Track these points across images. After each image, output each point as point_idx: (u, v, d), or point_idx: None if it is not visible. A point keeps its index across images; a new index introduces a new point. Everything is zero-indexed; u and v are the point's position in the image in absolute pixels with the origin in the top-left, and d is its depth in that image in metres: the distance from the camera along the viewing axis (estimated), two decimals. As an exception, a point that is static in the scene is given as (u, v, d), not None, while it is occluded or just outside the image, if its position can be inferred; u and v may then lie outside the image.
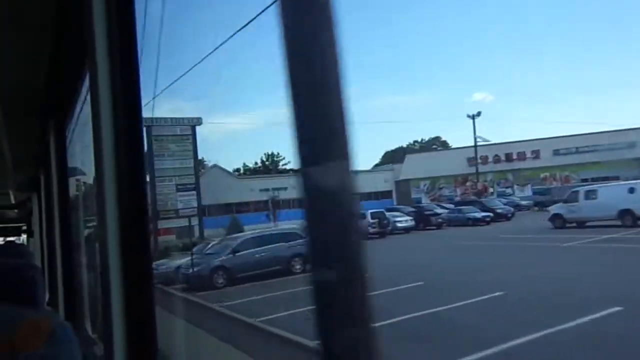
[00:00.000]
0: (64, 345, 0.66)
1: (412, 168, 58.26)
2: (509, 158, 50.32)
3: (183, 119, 39.98)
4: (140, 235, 0.92)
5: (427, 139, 73.18)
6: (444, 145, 67.46)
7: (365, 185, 53.56)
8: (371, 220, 26.63)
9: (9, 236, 10.46)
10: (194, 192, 39.80)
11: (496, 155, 51.70)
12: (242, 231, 33.71)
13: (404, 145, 73.65)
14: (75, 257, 2.81)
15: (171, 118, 39.64)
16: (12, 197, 6.10)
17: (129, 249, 0.89)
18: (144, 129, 0.91)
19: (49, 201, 2.78)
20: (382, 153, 71.11)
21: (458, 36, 76.62)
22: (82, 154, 3.11)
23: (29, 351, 0.62)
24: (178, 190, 39.07)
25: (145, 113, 1.02)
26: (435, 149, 68.25)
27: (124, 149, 0.91)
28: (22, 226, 10.80)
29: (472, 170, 52.46)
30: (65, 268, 2.56)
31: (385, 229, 26.48)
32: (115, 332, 0.89)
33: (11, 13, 1.51)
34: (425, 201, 52.24)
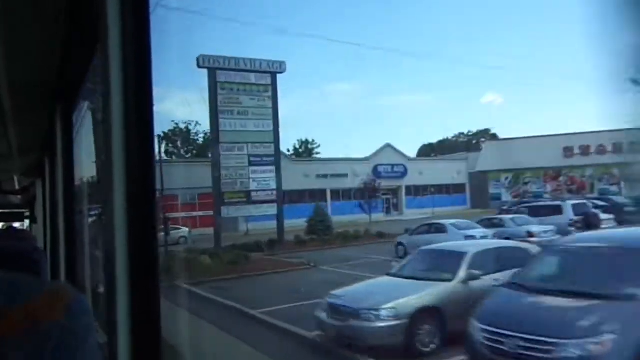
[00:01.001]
0: (83, 316, 0.67)
1: (491, 158, 48.37)
2: (618, 149, 37.77)
3: (260, 61, 27.67)
4: (148, 220, 0.93)
5: (474, 131, 65.92)
6: (494, 138, 61.23)
7: (433, 177, 47.73)
8: (574, 218, 18.63)
9: (12, 222, 10.50)
10: (273, 169, 28.00)
11: (601, 146, 41.05)
12: (330, 226, 28.44)
13: (449, 137, 66.68)
14: (79, 244, 2.82)
15: (244, 59, 27.41)
16: (16, 183, 6.13)
17: (136, 237, 0.89)
18: (154, 119, 0.89)
19: (53, 187, 2.79)
20: (418, 147, 66.40)
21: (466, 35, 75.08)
22: (88, 140, 3.12)
23: (52, 320, 0.63)
24: (251, 163, 27.77)
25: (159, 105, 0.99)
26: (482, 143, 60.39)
27: (133, 135, 0.92)
28: (25, 212, 10.85)
29: (568, 162, 43.74)
30: (68, 255, 2.58)
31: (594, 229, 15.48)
32: (119, 320, 0.89)
33: (23, 3, 1.51)
34: (506, 198, 44.74)
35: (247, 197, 27.33)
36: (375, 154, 46.92)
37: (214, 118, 26.39)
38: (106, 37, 0.89)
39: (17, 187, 6.46)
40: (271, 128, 27.92)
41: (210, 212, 37.69)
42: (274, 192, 28.25)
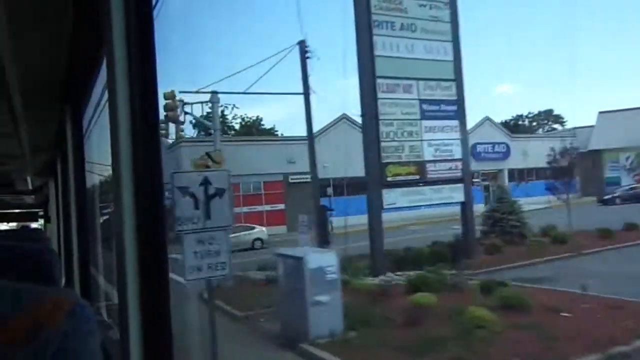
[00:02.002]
0: (85, 322, 0.69)
1: (608, 133, 38.04)
2: None
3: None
4: (155, 220, 0.95)
5: (535, 113, 57.20)
6: (557, 120, 52.86)
7: (538, 158, 35.17)
8: None
9: (27, 221, 10.66)
10: (457, 125, 16.53)
11: None
12: (523, 221, 17.78)
13: (507, 120, 56.44)
14: (92, 242, 2.86)
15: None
16: (29, 183, 6.23)
17: (144, 235, 0.91)
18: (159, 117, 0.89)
19: (65, 186, 2.83)
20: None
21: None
22: (98, 139, 3.16)
23: (54, 326, 0.65)
24: (425, 116, 16.09)
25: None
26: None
27: (140, 134, 0.94)
28: (39, 211, 11.00)
29: None
30: (81, 253, 2.62)
31: None
32: (130, 317, 0.91)
33: (31, 4, 1.53)
34: (627, 181, 35.42)
35: (421, 172, 15.76)
36: (474, 129, 34.91)
37: (363, 36, 15.12)
38: (111, 38, 0.91)
39: (30, 187, 6.56)
40: (451, 56, 16.16)
41: (279, 206, 36.34)
42: (458, 165, 16.35)
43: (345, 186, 36.96)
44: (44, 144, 3.40)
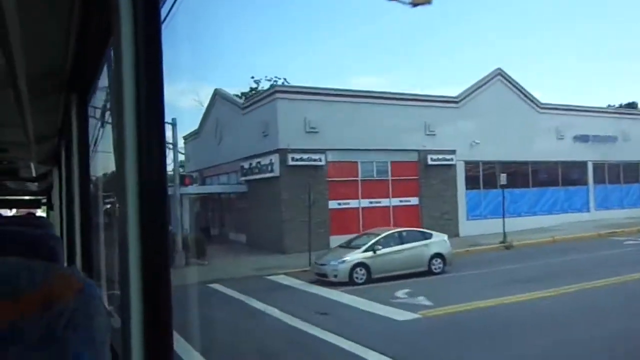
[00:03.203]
0: (92, 299, 0.72)
1: None
2: None
3: None
4: (159, 211, 0.98)
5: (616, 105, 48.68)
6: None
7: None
8: None
9: (30, 208, 10.73)
10: None
11: None
12: None
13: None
14: (94, 231, 2.89)
15: None
16: (33, 170, 6.27)
17: (147, 224, 0.93)
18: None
19: (69, 175, 2.86)
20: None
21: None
22: (103, 128, 3.18)
23: (64, 302, 0.69)
24: None
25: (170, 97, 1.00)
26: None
27: (144, 124, 0.96)
28: (42, 199, 11.08)
29: None
30: (83, 241, 2.65)
31: None
32: (132, 305, 0.93)
33: None
34: None
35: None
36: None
37: None
38: (119, 30, 0.93)
39: (34, 174, 6.60)
40: None
41: (411, 200, 24.62)
42: None
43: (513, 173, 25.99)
44: (49, 132, 3.42)
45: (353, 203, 23.53)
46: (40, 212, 10.89)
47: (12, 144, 4.03)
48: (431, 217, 24.26)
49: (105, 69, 2.03)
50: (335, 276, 15.37)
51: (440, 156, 24.85)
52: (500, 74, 26.87)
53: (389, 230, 17.56)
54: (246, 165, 25.45)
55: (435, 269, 16.44)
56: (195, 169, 31.51)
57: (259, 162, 24.20)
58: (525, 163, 27.02)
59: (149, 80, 0.93)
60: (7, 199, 10.71)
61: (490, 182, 25.95)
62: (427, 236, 17.09)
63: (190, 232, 22.34)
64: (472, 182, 25.88)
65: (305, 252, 19.21)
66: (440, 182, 24.95)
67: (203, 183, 31.29)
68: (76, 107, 2.50)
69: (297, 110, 22.49)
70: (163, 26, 0.97)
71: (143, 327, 0.91)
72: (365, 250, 15.98)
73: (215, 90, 30.94)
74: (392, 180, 24.25)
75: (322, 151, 22.53)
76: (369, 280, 15.31)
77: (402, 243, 16.52)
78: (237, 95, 34.49)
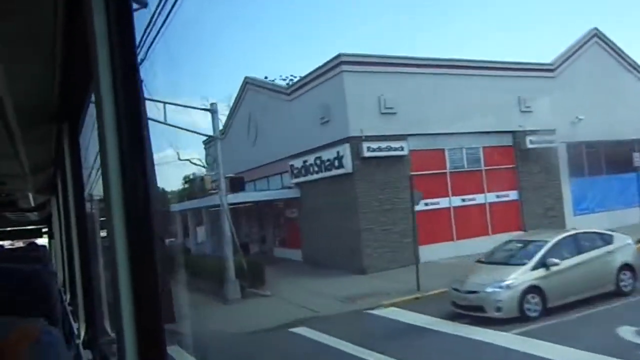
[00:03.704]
0: (49, 348, 0.78)
1: None
2: None
3: None
4: (145, 226, 1.07)
5: None
6: None
7: None
8: None
9: (31, 238, 10.80)
10: None
11: None
12: None
13: None
14: (93, 257, 2.95)
15: None
16: (31, 200, 6.35)
17: (135, 243, 1.01)
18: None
19: (66, 203, 2.94)
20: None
21: None
22: (94, 156, 3.24)
23: (16, 354, 0.74)
24: None
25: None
26: None
27: (127, 148, 1.07)
28: (42, 228, 11.16)
29: None
30: (83, 269, 2.75)
31: None
32: (125, 329, 1.00)
33: (25, 33, 1.68)
34: None
35: None
36: None
37: None
38: (97, 68, 1.00)
39: (32, 204, 6.68)
40: None
41: (509, 195, 20.52)
42: None
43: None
44: (44, 163, 3.53)
45: (443, 202, 19.43)
46: (40, 241, 10.94)
47: (8, 177, 4.16)
48: (534, 214, 20.70)
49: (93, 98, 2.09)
50: (499, 309, 10.81)
51: (540, 137, 20.71)
52: (596, 34, 23.35)
53: (557, 233, 12.92)
54: (297, 164, 21.79)
55: (625, 286, 11.96)
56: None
57: (318, 158, 20.25)
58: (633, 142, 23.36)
59: (127, 105, 1.03)
60: (8, 231, 10.78)
61: (595, 168, 22.41)
62: (607, 239, 12.54)
63: (236, 252, 17.38)
64: (575, 168, 22.20)
65: (390, 269, 16.73)
66: (542, 170, 21.24)
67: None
68: (68, 137, 2.63)
69: (369, 85, 18.48)
70: (140, 52, 1.04)
71: (136, 340, 0.97)
72: (535, 267, 11.38)
73: (246, 78, 26.68)
74: (485, 170, 20.45)
75: (402, 137, 18.73)
76: (545, 311, 10.95)
77: (578, 252, 11.98)
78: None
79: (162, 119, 15.52)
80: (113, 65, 1.06)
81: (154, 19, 11.28)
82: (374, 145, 18.16)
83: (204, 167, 36.46)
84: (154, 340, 1.03)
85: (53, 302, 1.54)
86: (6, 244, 11.26)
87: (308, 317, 12.79)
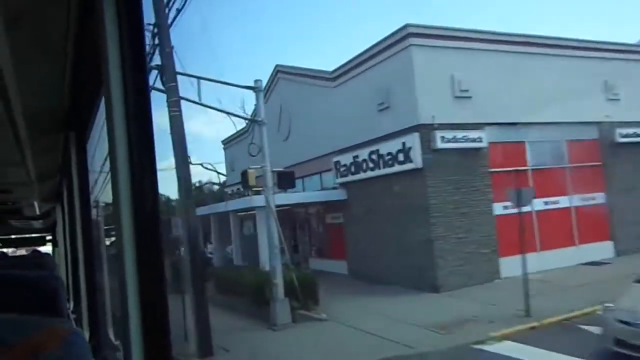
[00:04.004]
0: (77, 348, 0.82)
1: None
2: None
3: None
4: (154, 235, 1.07)
5: None
6: None
7: None
8: None
9: (35, 246, 10.83)
10: None
11: None
12: None
13: None
14: (97, 265, 2.97)
15: None
16: (37, 208, 6.38)
17: (143, 252, 1.01)
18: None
19: (71, 211, 2.97)
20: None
21: None
22: (102, 165, 3.26)
23: (50, 351, 0.78)
24: None
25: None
26: None
27: (136, 159, 1.07)
28: (46, 236, 11.21)
29: None
30: (88, 277, 2.76)
31: None
32: (132, 338, 1.00)
33: (33, 36, 1.64)
34: None
35: None
36: None
37: None
38: (107, 74, 1.01)
39: (37, 212, 6.72)
40: None
41: (595, 197, 17.49)
42: None
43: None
44: (50, 171, 3.57)
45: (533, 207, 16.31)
46: (44, 249, 10.97)
47: (15, 185, 4.21)
48: (624, 221, 17.91)
49: (102, 106, 2.12)
50: None
51: (631, 130, 18.29)
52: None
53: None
54: (345, 160, 19.24)
55: None
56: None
57: (374, 153, 17.67)
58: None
59: (137, 112, 1.03)
60: (12, 238, 10.84)
61: None
62: None
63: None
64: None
65: (468, 287, 14.40)
66: (635, 169, 18.50)
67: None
68: (75, 146, 2.67)
69: (440, 63, 16.10)
70: (149, 63, 1.04)
71: (144, 353, 0.97)
72: None
73: (277, 66, 24.41)
74: (570, 168, 18.05)
75: (479, 126, 16.34)
76: None
77: None
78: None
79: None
80: (123, 70, 1.10)
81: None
82: (449, 134, 15.60)
83: (216, 171, 35.95)
84: (162, 350, 1.03)
85: (61, 307, 1.56)
86: (9, 251, 11.29)
87: (402, 354, 10.00)
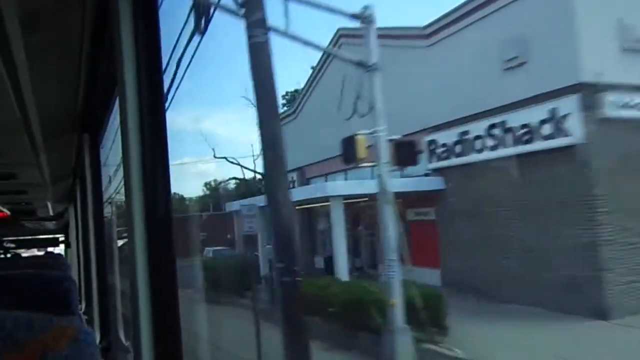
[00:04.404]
0: (86, 347, 0.83)
1: None
2: None
3: None
4: (166, 237, 1.07)
5: None
6: None
7: None
8: None
9: (48, 247, 10.95)
10: None
11: None
12: None
13: None
14: (110, 266, 2.98)
15: None
16: (50, 209, 6.45)
17: (155, 253, 1.01)
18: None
19: (84, 212, 3.00)
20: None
21: None
22: (115, 166, 3.29)
23: (59, 350, 0.78)
24: None
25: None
26: None
27: (149, 160, 1.08)
28: (59, 237, 11.32)
29: None
30: (100, 278, 2.78)
31: None
32: (142, 336, 0.99)
33: (53, 42, 1.71)
34: None
35: None
36: None
37: None
38: (122, 74, 1.01)
39: (51, 213, 6.79)
40: None
41: None
42: None
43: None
44: (64, 172, 3.61)
45: None
46: (57, 250, 11.10)
47: (29, 186, 4.26)
48: None
49: (115, 108, 2.14)
50: None
51: None
52: None
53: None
54: (444, 138, 15.21)
55: None
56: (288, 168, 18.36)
57: (498, 126, 13.69)
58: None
59: (151, 119, 1.03)
60: (25, 239, 10.98)
61: None
62: None
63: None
64: None
65: None
66: None
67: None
68: (89, 147, 2.70)
69: (603, 2, 12.27)
70: (165, 64, 1.04)
71: (154, 356, 0.97)
72: None
73: (340, 30, 20.37)
74: None
75: None
76: None
77: None
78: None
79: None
80: (138, 69, 1.12)
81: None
82: (622, 99, 11.69)
83: (240, 165, 35.77)
84: (172, 350, 1.03)
85: (73, 308, 1.57)
86: (21, 252, 11.42)
87: None
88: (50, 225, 10.18)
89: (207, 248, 27.93)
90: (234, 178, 44.57)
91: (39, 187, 5.04)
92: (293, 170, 19.00)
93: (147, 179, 1.08)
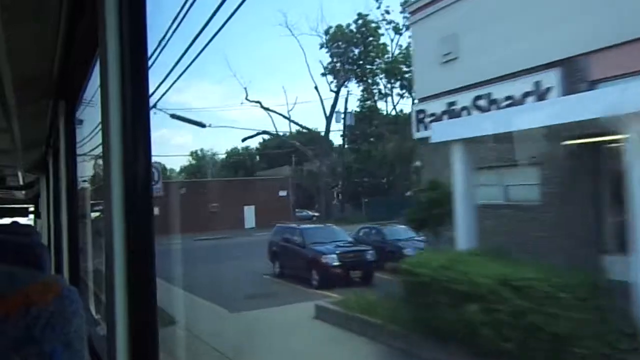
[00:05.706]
0: (70, 303, 0.80)
1: None
2: None
3: None
4: (144, 214, 1.05)
5: None
6: None
7: None
8: None
9: (16, 217, 10.73)
10: None
11: None
12: None
13: None
14: (82, 239, 2.91)
15: None
16: (20, 178, 6.28)
17: (132, 228, 0.97)
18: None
19: (56, 182, 2.91)
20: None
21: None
22: (90, 136, 3.20)
23: (42, 304, 0.75)
24: None
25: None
26: None
27: (130, 131, 1.04)
28: (29, 207, 11.08)
29: None
30: (71, 250, 2.70)
31: None
32: (117, 306, 0.96)
33: (28, 1, 1.58)
34: None
35: None
36: None
37: None
38: (104, 38, 0.96)
39: (21, 182, 6.61)
40: None
41: None
42: None
43: None
44: (37, 140, 3.50)
45: None
46: (25, 220, 10.88)
47: None
48: None
49: (94, 75, 2.05)
50: None
51: None
52: None
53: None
54: None
55: None
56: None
57: None
58: None
59: (134, 88, 0.98)
60: None
61: None
62: None
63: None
64: None
65: None
66: None
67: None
68: (64, 115, 2.60)
69: None
70: (149, 31, 0.99)
71: (129, 333, 0.94)
72: None
73: None
74: None
75: None
76: None
77: None
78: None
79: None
80: (121, 30, 1.05)
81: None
82: None
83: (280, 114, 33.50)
84: (147, 333, 1.01)
85: (46, 272, 1.52)
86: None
87: None
88: (20, 194, 9.94)
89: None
90: (265, 132, 39.77)
91: (9, 154, 4.86)
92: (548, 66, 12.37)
93: (127, 149, 1.04)
